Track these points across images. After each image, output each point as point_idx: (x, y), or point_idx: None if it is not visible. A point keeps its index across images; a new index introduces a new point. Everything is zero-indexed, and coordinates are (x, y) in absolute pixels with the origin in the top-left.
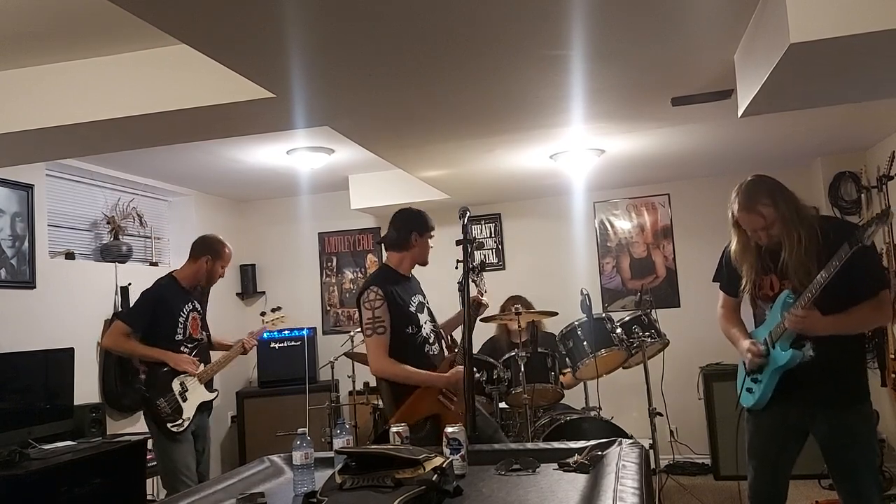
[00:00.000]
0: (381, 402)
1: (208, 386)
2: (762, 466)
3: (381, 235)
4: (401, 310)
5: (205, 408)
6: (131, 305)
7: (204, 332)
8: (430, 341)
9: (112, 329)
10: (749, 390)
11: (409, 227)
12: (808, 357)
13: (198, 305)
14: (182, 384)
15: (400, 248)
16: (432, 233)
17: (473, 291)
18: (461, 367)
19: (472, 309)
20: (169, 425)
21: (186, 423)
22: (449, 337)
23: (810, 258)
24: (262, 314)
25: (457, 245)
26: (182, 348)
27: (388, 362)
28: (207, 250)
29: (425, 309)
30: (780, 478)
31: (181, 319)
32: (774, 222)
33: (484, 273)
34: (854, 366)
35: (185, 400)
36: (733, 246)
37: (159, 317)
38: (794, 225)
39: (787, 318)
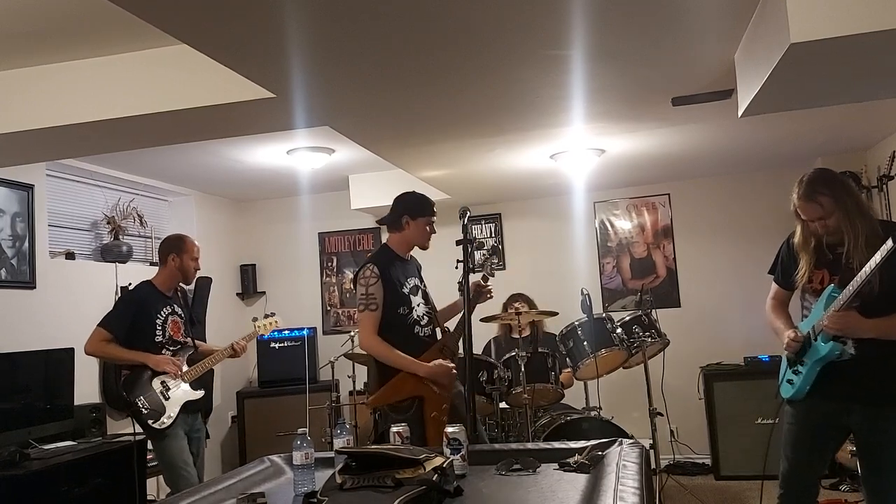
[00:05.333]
0: None
1: (194, 385)
2: (796, 456)
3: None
4: (394, 290)
5: (193, 408)
6: (109, 311)
7: (189, 337)
8: (423, 323)
9: (93, 336)
10: (789, 381)
11: (402, 209)
12: (847, 354)
13: (178, 310)
14: (163, 383)
15: (393, 228)
16: (431, 218)
17: (475, 277)
18: (442, 362)
19: (472, 295)
20: (150, 422)
21: (169, 422)
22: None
23: (872, 254)
24: (254, 319)
25: (457, 245)
26: (164, 350)
27: (376, 339)
28: (171, 249)
29: (419, 292)
30: (813, 469)
31: (159, 322)
32: (833, 212)
33: (494, 258)
34: None
35: (167, 399)
36: (796, 238)
37: (137, 320)
38: (855, 218)
39: (826, 320)
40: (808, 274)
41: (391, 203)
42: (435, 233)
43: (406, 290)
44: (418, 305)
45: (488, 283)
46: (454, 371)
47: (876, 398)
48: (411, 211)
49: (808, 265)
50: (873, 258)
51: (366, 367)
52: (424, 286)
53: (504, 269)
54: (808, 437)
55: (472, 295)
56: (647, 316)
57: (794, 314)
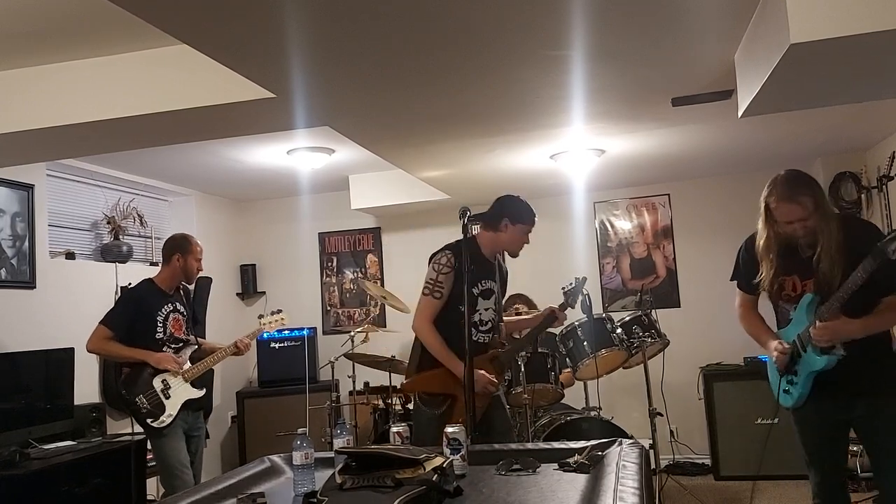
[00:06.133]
0: (381, 403)
1: (195, 384)
2: (815, 460)
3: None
4: (462, 286)
5: (194, 406)
6: (111, 309)
7: (192, 335)
8: (483, 329)
9: (94, 333)
10: (786, 391)
11: (504, 211)
12: (840, 356)
13: (180, 307)
14: (164, 381)
15: (488, 227)
16: (530, 227)
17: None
18: (482, 371)
19: (546, 320)
20: (149, 421)
21: (168, 420)
22: (504, 334)
23: (841, 255)
24: (260, 316)
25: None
26: (165, 348)
27: (429, 326)
28: (177, 248)
29: (492, 297)
30: (836, 469)
31: (160, 319)
32: (813, 214)
33: (582, 294)
34: (886, 353)
35: (167, 397)
36: (760, 240)
37: (138, 318)
38: (830, 220)
39: (814, 334)
40: (772, 280)
41: (494, 202)
42: (529, 243)
43: (476, 291)
44: (485, 310)
45: (564, 311)
46: (491, 385)
47: (874, 389)
48: (513, 215)
49: (773, 270)
50: (855, 273)
51: (364, 376)
52: (499, 293)
53: None
54: (818, 438)
55: (546, 317)
56: (646, 316)
57: (766, 315)
